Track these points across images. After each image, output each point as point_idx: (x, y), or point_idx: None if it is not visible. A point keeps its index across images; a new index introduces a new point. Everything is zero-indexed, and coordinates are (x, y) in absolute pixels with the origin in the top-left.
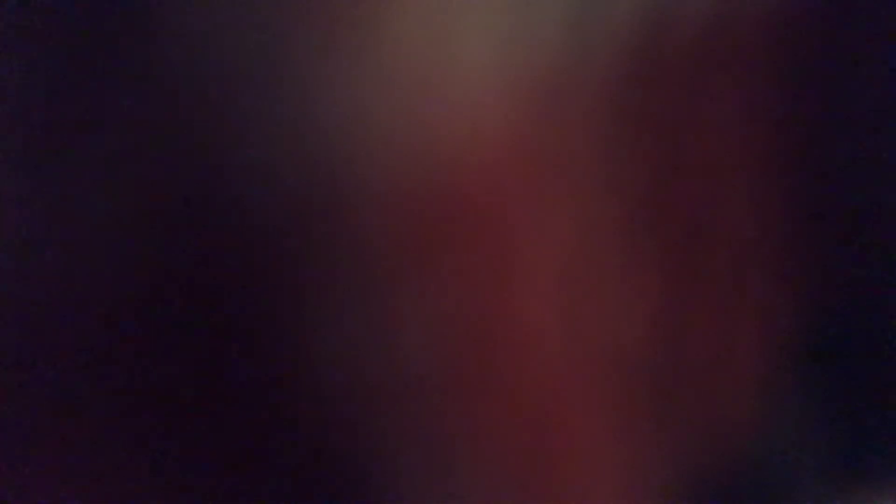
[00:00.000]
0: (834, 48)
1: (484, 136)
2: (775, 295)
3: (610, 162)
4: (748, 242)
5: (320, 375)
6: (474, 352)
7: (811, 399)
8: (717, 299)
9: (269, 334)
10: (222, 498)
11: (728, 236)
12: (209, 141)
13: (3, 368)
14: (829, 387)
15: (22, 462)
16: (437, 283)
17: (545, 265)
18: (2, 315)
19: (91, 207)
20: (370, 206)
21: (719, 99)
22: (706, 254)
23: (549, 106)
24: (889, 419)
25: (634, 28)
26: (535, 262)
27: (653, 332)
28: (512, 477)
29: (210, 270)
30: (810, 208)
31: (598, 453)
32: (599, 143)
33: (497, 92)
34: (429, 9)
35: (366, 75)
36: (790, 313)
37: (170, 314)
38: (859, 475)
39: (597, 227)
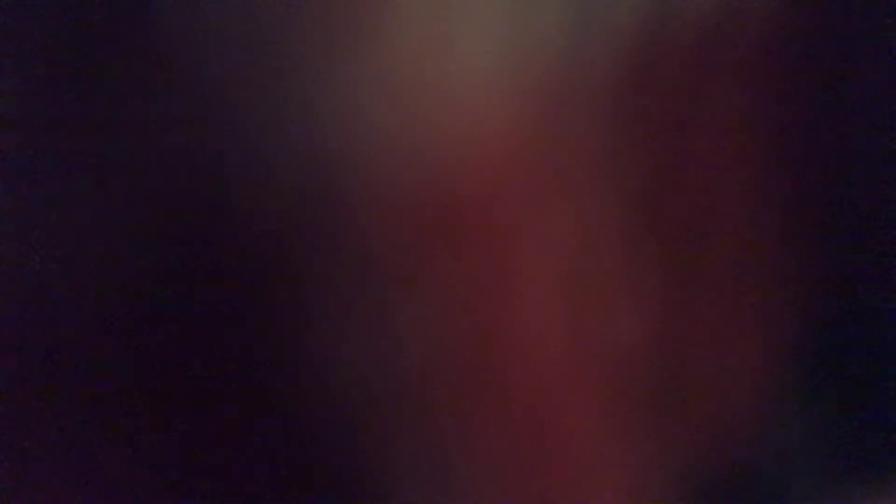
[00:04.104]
0: (834, 48)
1: (484, 136)
2: (776, 295)
3: (610, 162)
4: (749, 242)
5: (320, 375)
6: (475, 351)
7: (811, 399)
8: (718, 299)
9: (270, 335)
10: (222, 498)
11: (728, 236)
12: (208, 141)
13: (3, 368)
14: (829, 387)
15: (21, 462)
16: (437, 283)
17: (545, 265)
18: (2, 315)
19: (90, 208)
20: (370, 206)
21: (719, 99)
22: (707, 254)
23: (549, 106)
24: (889, 419)
25: (634, 28)
26: (536, 262)
27: (654, 332)
28: (513, 477)
29: (210, 271)
30: (811, 209)
31: (598, 454)
32: (600, 144)
33: (497, 92)
34: (429, 9)
35: (366, 75)
36: (790, 314)
37: (170, 315)
38: (859, 475)
39: (597, 228)
